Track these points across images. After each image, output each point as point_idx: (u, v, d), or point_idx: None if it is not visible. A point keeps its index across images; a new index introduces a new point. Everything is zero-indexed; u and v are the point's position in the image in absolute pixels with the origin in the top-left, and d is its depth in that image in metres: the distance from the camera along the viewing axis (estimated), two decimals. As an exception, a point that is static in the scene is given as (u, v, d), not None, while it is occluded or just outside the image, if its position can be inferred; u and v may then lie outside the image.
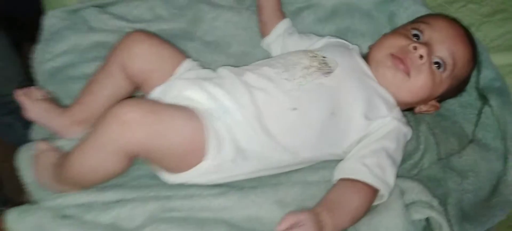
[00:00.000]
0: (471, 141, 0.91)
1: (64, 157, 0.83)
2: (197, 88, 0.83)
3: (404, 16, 1.08)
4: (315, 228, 0.73)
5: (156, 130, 0.74)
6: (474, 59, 0.96)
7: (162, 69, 0.88)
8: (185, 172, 0.80)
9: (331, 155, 0.85)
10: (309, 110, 0.82)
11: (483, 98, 0.97)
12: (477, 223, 0.81)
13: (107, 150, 0.75)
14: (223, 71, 0.88)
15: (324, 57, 0.89)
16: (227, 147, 0.79)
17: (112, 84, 0.90)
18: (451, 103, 0.98)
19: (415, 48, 0.87)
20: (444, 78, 0.89)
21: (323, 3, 1.13)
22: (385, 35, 0.95)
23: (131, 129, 0.72)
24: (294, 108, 0.81)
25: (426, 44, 0.88)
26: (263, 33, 1.07)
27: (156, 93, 0.87)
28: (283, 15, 1.08)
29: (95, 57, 1.02)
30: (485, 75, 0.98)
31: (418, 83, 0.87)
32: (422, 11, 1.08)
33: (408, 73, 0.86)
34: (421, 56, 0.86)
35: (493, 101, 0.93)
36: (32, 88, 0.95)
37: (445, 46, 0.89)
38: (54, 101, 0.95)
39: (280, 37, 1.04)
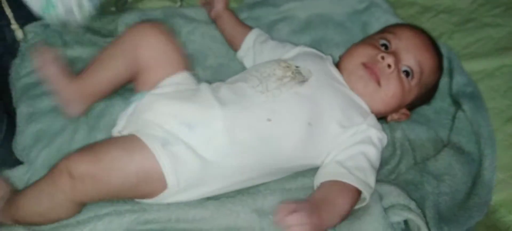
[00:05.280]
0: (445, 145, 0.92)
1: (14, 194, 0.83)
2: (163, 106, 0.82)
3: (376, 26, 1.11)
4: (311, 214, 0.71)
5: (100, 177, 0.74)
6: (441, 67, 0.98)
7: (162, 68, 0.89)
8: (154, 198, 0.79)
9: (308, 165, 0.85)
10: (284, 120, 0.81)
11: (456, 104, 0.99)
12: (454, 225, 0.81)
13: (59, 200, 0.76)
14: (202, 86, 0.88)
15: (297, 66, 0.90)
16: (190, 166, 0.77)
17: (122, 63, 0.90)
18: (426, 110, 1.00)
19: (383, 57, 0.89)
20: (413, 86, 0.91)
21: (297, 15, 1.15)
22: (355, 45, 0.96)
23: (79, 182, 0.73)
24: (268, 120, 0.81)
25: (394, 53, 0.90)
26: (234, 48, 1.08)
27: (128, 111, 0.87)
28: (247, 28, 1.08)
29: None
30: (457, 81, 1.00)
31: (389, 92, 0.89)
32: (393, 20, 1.11)
33: (378, 83, 0.88)
34: (389, 66, 0.88)
35: (466, 106, 0.95)
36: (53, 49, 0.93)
37: (411, 55, 0.91)
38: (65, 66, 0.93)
39: (251, 49, 1.04)
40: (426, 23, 1.19)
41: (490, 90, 1.03)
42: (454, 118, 0.97)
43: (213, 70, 1.06)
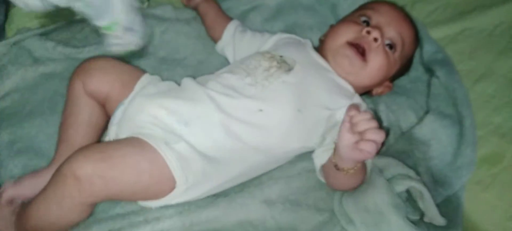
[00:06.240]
0: (427, 112, 0.98)
1: (24, 206, 0.80)
2: (156, 106, 0.81)
3: (345, 6, 1.14)
4: None
5: (111, 177, 0.73)
6: (417, 37, 1.03)
7: (122, 82, 0.87)
8: (162, 199, 0.79)
9: (303, 148, 0.88)
10: (275, 109, 0.84)
11: (429, 71, 1.04)
12: (447, 186, 0.87)
13: (68, 205, 0.74)
14: (186, 81, 0.88)
15: (281, 56, 0.92)
16: (194, 164, 0.78)
17: (84, 110, 0.86)
18: (402, 80, 1.05)
19: (368, 32, 0.92)
20: (397, 58, 0.95)
21: (267, 2, 1.17)
22: (337, 25, 0.99)
23: (87, 183, 0.71)
24: (260, 110, 0.83)
25: (377, 27, 0.93)
26: (215, 38, 1.09)
27: (117, 117, 0.85)
28: (229, 17, 1.10)
29: (44, 91, 0.98)
30: (427, 50, 1.06)
31: (376, 65, 0.92)
32: (360, -1, 1.14)
33: (364, 59, 0.91)
34: (375, 39, 0.91)
35: (439, 72, 1.01)
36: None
37: (392, 28, 0.95)
38: (29, 174, 0.86)
39: (232, 38, 1.05)
40: (388, -3, 1.24)
41: (456, 54, 1.09)
42: (429, 84, 1.02)
43: (194, 68, 1.06)
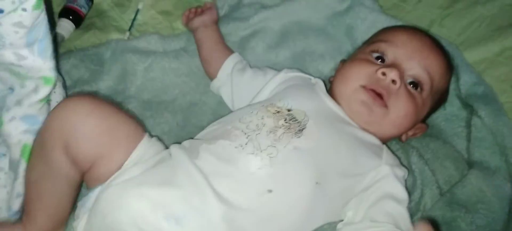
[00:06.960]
0: (470, 163, 0.80)
1: None
2: (136, 198, 0.63)
3: (363, 28, 0.97)
4: None
5: None
6: (450, 65, 0.85)
7: (113, 155, 0.68)
8: None
9: (323, 224, 0.70)
10: (288, 187, 0.66)
11: (468, 106, 0.87)
12: (499, 266, 0.71)
13: None
14: (174, 153, 0.69)
15: (289, 110, 0.73)
16: None
17: (61, 177, 0.67)
18: (435, 118, 0.88)
19: (384, 73, 0.74)
20: (425, 98, 0.78)
21: (271, 26, 0.99)
22: (346, 66, 0.81)
23: None
24: (269, 191, 0.64)
25: (394, 65, 0.76)
26: (210, 74, 0.92)
27: (91, 200, 0.68)
28: (229, 50, 0.93)
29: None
30: (465, 81, 0.88)
31: (400, 112, 0.75)
32: (381, 19, 0.97)
33: (385, 106, 0.74)
34: (393, 81, 0.74)
35: (482, 111, 0.83)
36: None
37: (415, 61, 0.77)
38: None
39: (229, 77, 0.88)
40: (411, 12, 1.05)
41: (497, 82, 0.92)
42: (469, 125, 0.85)
43: (184, 113, 0.89)
